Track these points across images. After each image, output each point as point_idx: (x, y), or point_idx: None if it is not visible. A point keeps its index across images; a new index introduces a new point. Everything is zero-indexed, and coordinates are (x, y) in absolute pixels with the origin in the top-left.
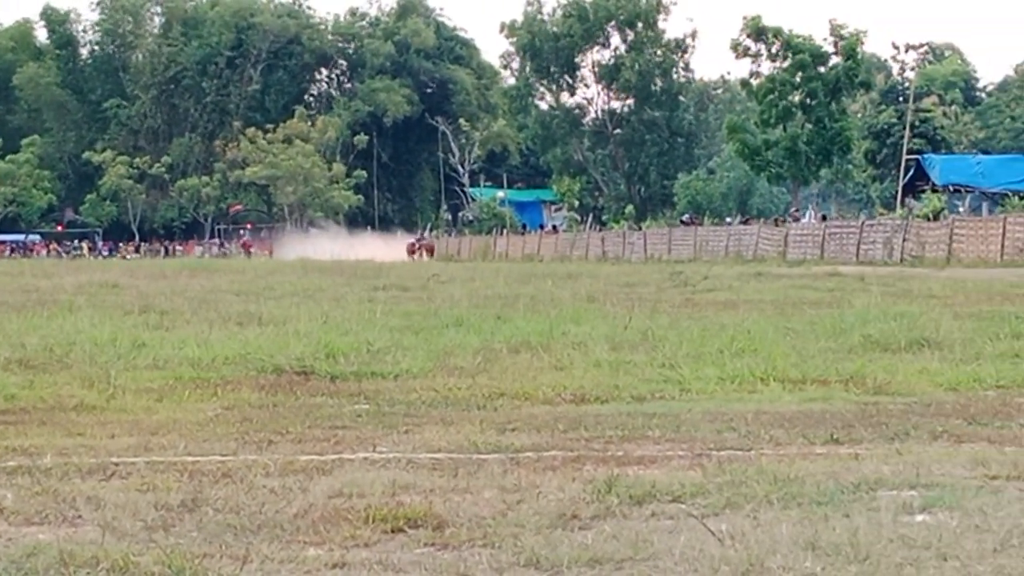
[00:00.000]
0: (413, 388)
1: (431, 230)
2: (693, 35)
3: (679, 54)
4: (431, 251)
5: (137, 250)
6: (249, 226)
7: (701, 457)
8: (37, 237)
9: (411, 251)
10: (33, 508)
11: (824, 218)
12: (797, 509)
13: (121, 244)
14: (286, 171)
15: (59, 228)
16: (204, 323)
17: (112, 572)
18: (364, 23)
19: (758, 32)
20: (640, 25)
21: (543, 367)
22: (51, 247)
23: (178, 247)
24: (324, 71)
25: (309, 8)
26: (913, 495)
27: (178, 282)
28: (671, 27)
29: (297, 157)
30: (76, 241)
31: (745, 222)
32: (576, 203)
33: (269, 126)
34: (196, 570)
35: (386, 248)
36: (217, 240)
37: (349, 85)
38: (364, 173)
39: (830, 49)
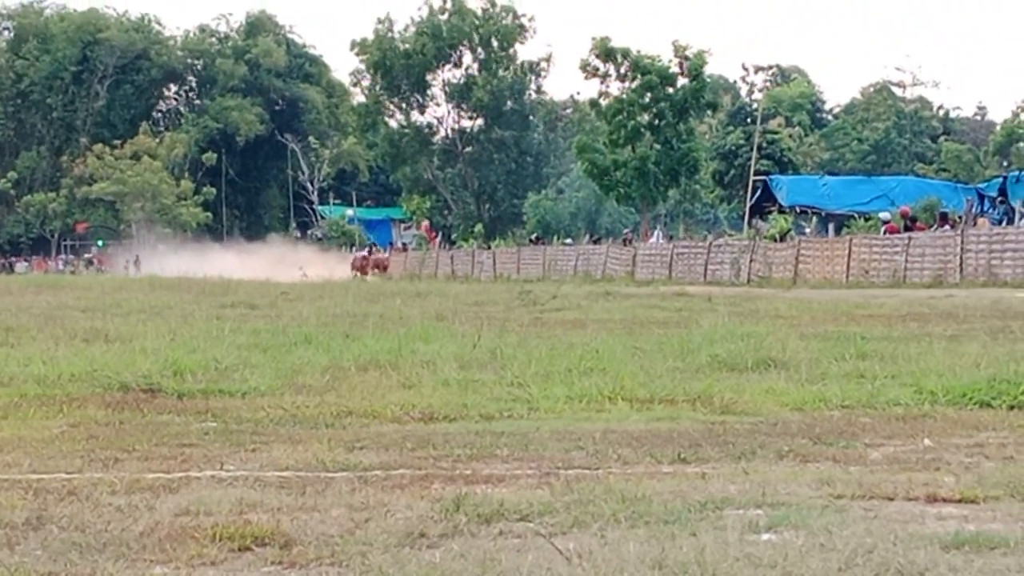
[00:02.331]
0: (261, 406)
1: (397, 243)
2: (548, 59)
3: (532, 76)
4: (384, 267)
5: None
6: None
7: (549, 476)
8: None
9: (360, 267)
10: None
11: (671, 238)
12: (644, 528)
13: None
14: (133, 187)
15: None
16: (50, 340)
17: None
18: (214, 40)
19: (607, 53)
20: (495, 46)
21: (391, 385)
22: None
23: (23, 262)
24: (173, 87)
25: (158, 24)
26: (759, 514)
27: (24, 298)
28: (525, 48)
29: (145, 173)
30: None
31: (595, 242)
32: (426, 221)
33: (117, 142)
34: None
35: (238, 264)
36: (65, 256)
37: (199, 102)
38: (213, 190)
39: (677, 70)
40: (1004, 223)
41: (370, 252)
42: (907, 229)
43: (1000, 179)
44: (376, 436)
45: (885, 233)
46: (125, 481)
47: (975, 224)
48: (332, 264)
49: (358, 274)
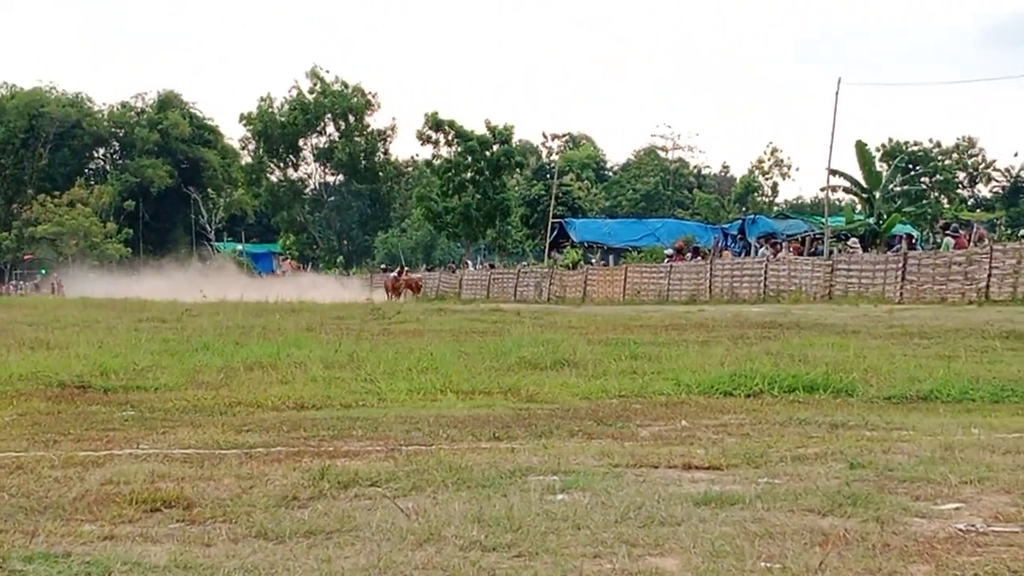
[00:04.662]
0: (169, 398)
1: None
2: (393, 127)
3: (381, 141)
4: (417, 288)
5: None
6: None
7: (393, 451)
8: None
9: (392, 288)
10: None
11: (492, 267)
12: (466, 491)
13: None
14: (69, 228)
15: None
16: (2, 348)
17: None
18: (133, 113)
19: (436, 124)
20: (351, 118)
21: (272, 382)
22: None
23: None
24: (101, 150)
25: (89, 100)
26: (555, 479)
27: None
28: (375, 119)
29: (78, 217)
30: None
31: (430, 270)
32: (297, 254)
33: (56, 193)
34: None
35: (152, 288)
36: (15, 282)
37: (121, 161)
38: (131, 231)
39: (491, 138)
40: (743, 255)
41: (400, 272)
42: (681, 254)
43: (740, 221)
44: (259, 421)
45: (671, 259)
46: (61, 458)
47: (721, 256)
48: (225, 287)
49: (392, 296)
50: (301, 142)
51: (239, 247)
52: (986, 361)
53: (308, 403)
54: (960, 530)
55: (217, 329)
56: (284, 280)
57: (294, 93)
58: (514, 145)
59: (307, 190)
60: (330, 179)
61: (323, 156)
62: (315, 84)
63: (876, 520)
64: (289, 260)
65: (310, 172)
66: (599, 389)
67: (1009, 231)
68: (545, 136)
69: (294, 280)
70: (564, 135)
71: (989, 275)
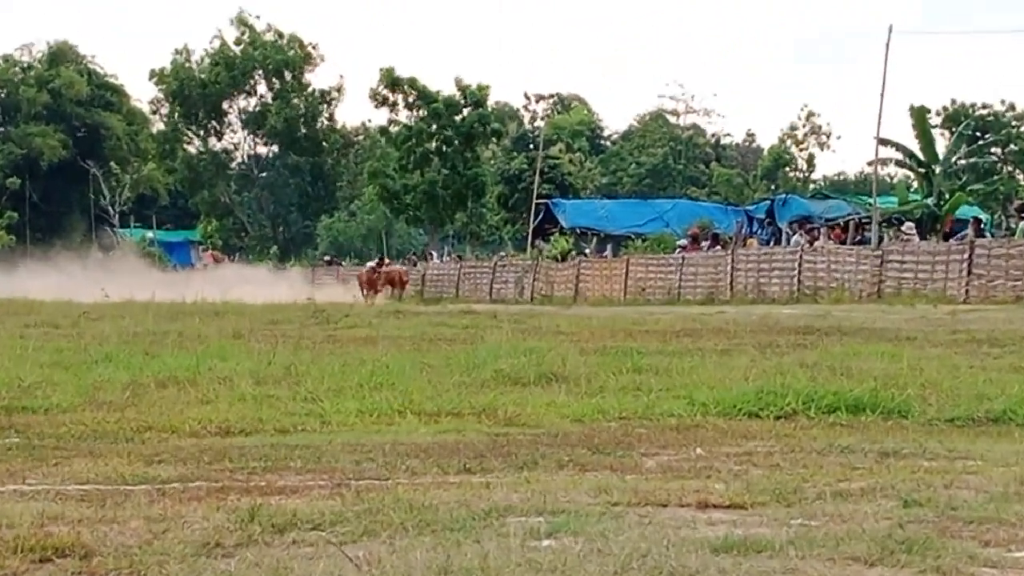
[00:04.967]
0: (63, 422)
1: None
2: (339, 88)
3: (324, 103)
4: (402, 284)
5: None
6: None
7: (341, 487)
8: None
9: (369, 284)
10: None
11: (460, 258)
12: (431, 535)
13: None
14: None
15: None
16: None
17: None
18: (17, 69)
19: (393, 83)
20: (287, 75)
21: (190, 401)
22: None
23: None
24: None
25: None
26: (540, 521)
27: None
28: (317, 78)
29: None
30: None
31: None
32: (221, 243)
33: None
34: None
35: (41, 285)
36: None
37: (2, 129)
38: (15, 214)
39: (462, 100)
40: (771, 243)
41: (380, 264)
42: (696, 242)
43: (768, 202)
44: (174, 450)
45: (683, 249)
46: None
47: (745, 244)
48: (132, 284)
49: (369, 294)
50: (226, 105)
51: (149, 234)
52: None
53: (235, 428)
54: None
55: (122, 336)
56: (205, 275)
57: (216, 44)
58: (490, 109)
59: (233, 164)
60: (262, 151)
61: (253, 122)
62: (242, 33)
63: (936, 571)
64: (211, 251)
65: (237, 142)
66: (594, 409)
67: None
68: (528, 97)
69: (218, 275)
70: (551, 96)
71: None
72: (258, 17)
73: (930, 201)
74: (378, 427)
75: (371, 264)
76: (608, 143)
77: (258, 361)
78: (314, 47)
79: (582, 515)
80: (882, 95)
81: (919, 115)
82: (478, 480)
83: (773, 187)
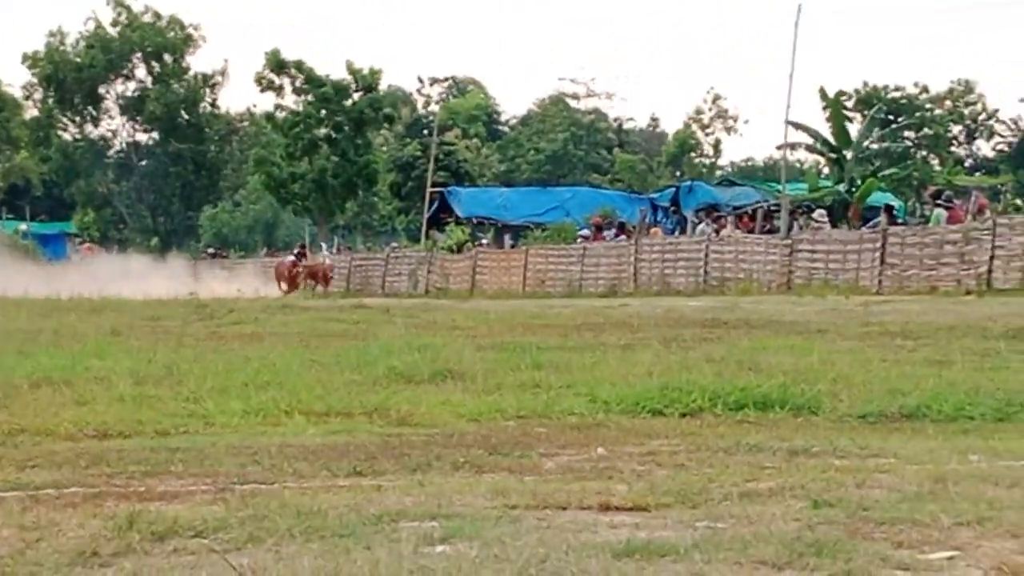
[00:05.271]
0: None
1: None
2: (223, 71)
3: (206, 88)
4: (325, 279)
5: None
6: None
7: (224, 491)
8: None
9: (289, 278)
10: None
11: (349, 249)
12: (319, 542)
13: None
14: None
15: None
16: None
17: None
18: None
19: (279, 66)
20: (167, 58)
21: (65, 402)
22: None
23: None
24: None
25: None
26: (434, 526)
27: None
28: (200, 61)
29: None
30: None
31: (271, 254)
32: (99, 235)
33: None
34: None
35: None
36: None
37: None
38: None
39: (353, 84)
40: (677, 233)
41: (300, 256)
42: (600, 232)
43: (673, 189)
44: (49, 454)
45: (586, 239)
46: None
47: (649, 234)
48: (3, 279)
49: (288, 289)
50: (103, 90)
51: (22, 226)
52: (987, 368)
53: (113, 430)
54: None
55: None
56: (82, 269)
57: (92, 26)
58: (382, 93)
59: (111, 152)
60: (141, 138)
61: (132, 108)
62: (119, 14)
63: (847, 574)
64: (88, 243)
65: (115, 129)
66: (491, 408)
67: (1017, 200)
68: (422, 81)
69: (95, 269)
70: (446, 80)
71: (992, 257)
72: None
73: (842, 188)
74: (264, 428)
75: (291, 256)
76: (506, 128)
77: (138, 360)
78: (195, 29)
79: (478, 519)
80: (791, 77)
81: (833, 100)
82: (369, 483)
83: (678, 174)
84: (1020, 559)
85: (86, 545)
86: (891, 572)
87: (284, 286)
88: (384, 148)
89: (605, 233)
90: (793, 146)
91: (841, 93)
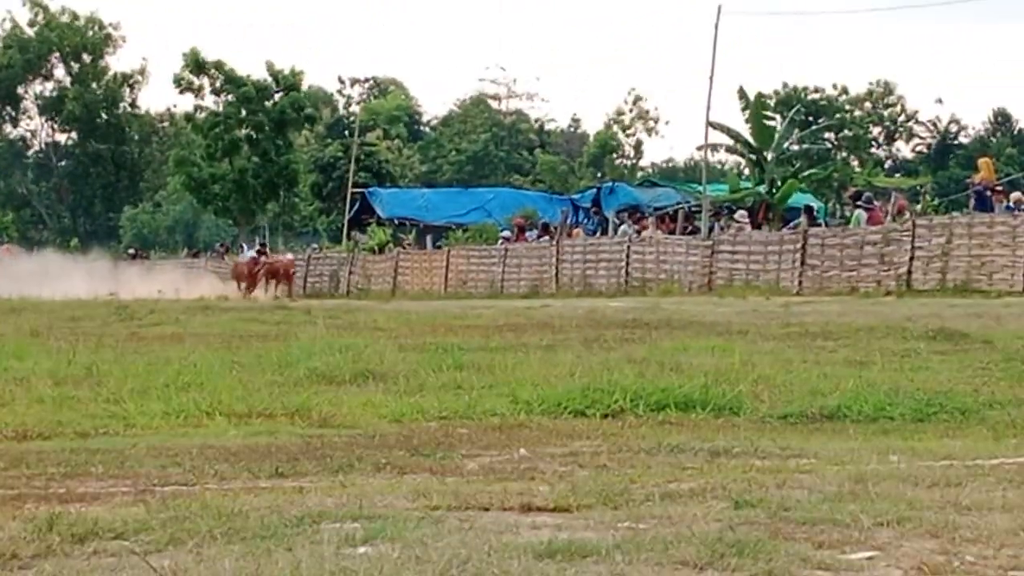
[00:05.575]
0: None
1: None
2: (143, 71)
3: (126, 88)
4: (287, 277)
5: None
6: None
7: (145, 493)
8: None
9: (248, 277)
10: None
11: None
12: (241, 544)
13: None
14: None
15: None
16: None
17: None
18: None
19: (199, 66)
20: (86, 58)
21: None
22: None
23: None
24: None
25: None
26: (356, 527)
27: None
28: (119, 61)
29: None
30: None
31: (194, 255)
32: (17, 235)
33: None
34: None
35: None
36: None
37: None
38: None
39: (274, 85)
40: (598, 234)
41: (260, 254)
42: (523, 232)
43: (594, 190)
44: None
45: (508, 241)
46: None
47: (570, 235)
48: None
49: (243, 287)
50: (21, 90)
51: None
52: (907, 368)
53: (32, 431)
54: None
55: None
56: (0, 269)
57: (8, 26)
58: (303, 93)
59: (30, 152)
60: (60, 138)
61: (51, 108)
62: (36, 14)
63: (768, 574)
64: (7, 244)
65: (34, 129)
66: (413, 409)
67: (936, 202)
68: (342, 81)
69: (13, 269)
70: (367, 80)
71: (911, 258)
72: None
73: (762, 189)
74: (185, 430)
75: (250, 254)
76: (427, 129)
77: (57, 360)
78: (115, 28)
79: (400, 520)
80: (711, 78)
81: (754, 101)
82: (291, 484)
83: (600, 175)
84: (940, 559)
85: (5, 547)
86: (812, 572)
87: (243, 286)
88: (305, 149)
89: (528, 234)
90: (714, 147)
91: (761, 95)
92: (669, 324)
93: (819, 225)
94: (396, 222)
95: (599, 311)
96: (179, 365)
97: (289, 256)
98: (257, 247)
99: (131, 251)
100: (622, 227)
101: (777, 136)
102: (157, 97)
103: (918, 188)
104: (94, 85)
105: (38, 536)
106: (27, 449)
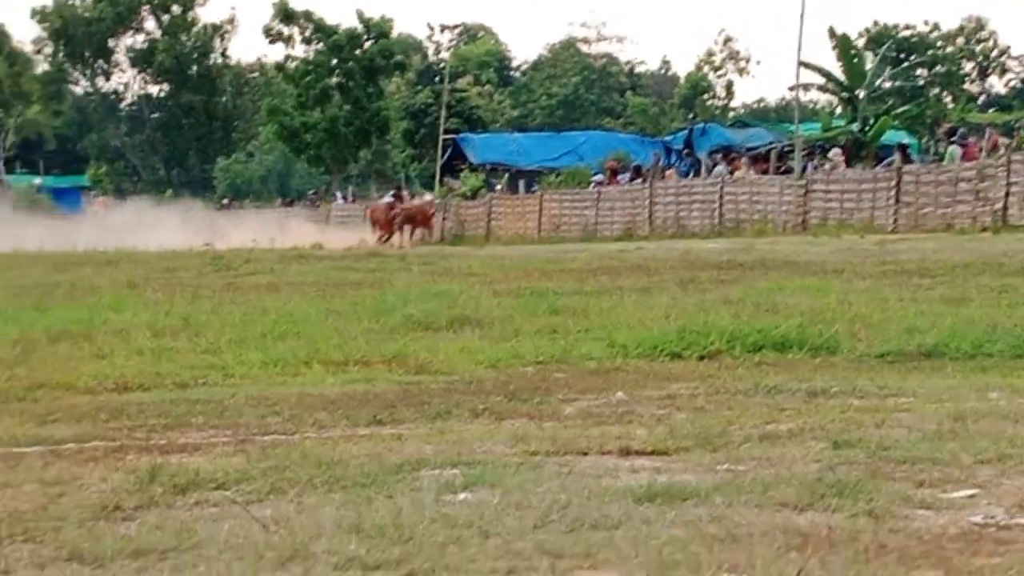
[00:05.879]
0: None
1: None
2: (231, 21)
3: (216, 39)
4: (426, 222)
5: None
6: None
7: (245, 443)
8: None
9: (385, 224)
10: None
11: (363, 199)
12: (341, 492)
13: None
14: None
15: None
16: None
17: None
18: None
19: (288, 16)
20: (175, 9)
21: (84, 356)
22: None
23: None
24: None
25: None
26: (455, 473)
27: None
28: (208, 12)
29: None
30: None
31: (289, 204)
32: (113, 188)
33: None
34: None
35: None
36: None
37: None
38: None
39: (364, 33)
40: (691, 175)
41: (397, 199)
42: (615, 175)
43: (686, 132)
44: (69, 408)
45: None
46: None
47: (663, 177)
48: (19, 233)
49: (383, 236)
50: (112, 43)
51: (36, 180)
52: (1005, 304)
53: (132, 383)
54: (976, 524)
55: (10, 289)
56: (97, 221)
57: None
58: (393, 41)
59: (123, 105)
60: (152, 90)
61: (142, 60)
62: None
63: (868, 515)
64: (102, 196)
65: (126, 82)
66: (509, 354)
67: None
68: (432, 28)
69: (110, 221)
70: (457, 26)
71: (1007, 193)
72: None
73: (855, 127)
74: (283, 379)
75: (387, 199)
76: (518, 74)
77: (155, 312)
78: None
79: (499, 466)
80: (802, 16)
81: (839, 37)
82: (389, 432)
83: (691, 116)
84: None
85: (108, 499)
86: (912, 511)
87: (380, 232)
88: (396, 96)
89: (620, 177)
90: (805, 87)
91: (847, 36)
92: (764, 264)
93: (913, 162)
94: (488, 167)
95: (693, 252)
96: (275, 314)
97: (428, 197)
98: (393, 193)
99: (224, 200)
100: (716, 168)
101: (869, 74)
102: (247, 48)
103: (1012, 123)
104: (184, 36)
105: (140, 487)
106: (128, 401)
